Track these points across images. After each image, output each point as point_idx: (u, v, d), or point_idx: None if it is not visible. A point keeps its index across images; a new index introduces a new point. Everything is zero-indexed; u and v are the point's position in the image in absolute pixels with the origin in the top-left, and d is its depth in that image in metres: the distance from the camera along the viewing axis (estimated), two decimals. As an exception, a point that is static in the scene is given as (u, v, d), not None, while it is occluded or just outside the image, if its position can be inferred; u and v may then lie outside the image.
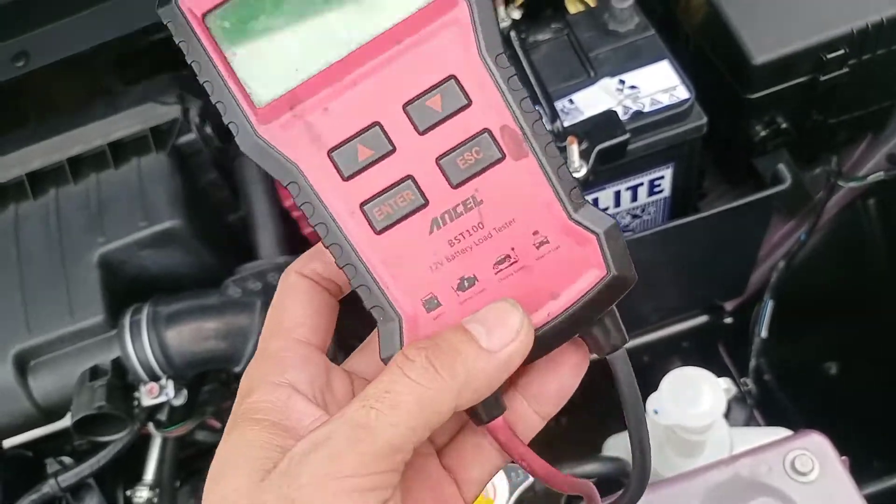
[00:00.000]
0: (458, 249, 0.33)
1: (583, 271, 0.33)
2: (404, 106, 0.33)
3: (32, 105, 1.19)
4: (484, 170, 0.33)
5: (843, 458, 0.69)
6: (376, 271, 0.33)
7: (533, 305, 0.33)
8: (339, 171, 0.33)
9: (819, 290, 1.20)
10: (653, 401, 0.73)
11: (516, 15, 0.95)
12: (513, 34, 0.89)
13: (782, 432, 0.87)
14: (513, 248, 0.33)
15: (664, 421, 0.73)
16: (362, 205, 0.33)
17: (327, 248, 0.34)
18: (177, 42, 0.33)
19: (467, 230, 0.33)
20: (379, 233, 0.33)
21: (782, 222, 1.12)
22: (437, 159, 0.33)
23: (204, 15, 0.33)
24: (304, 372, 0.34)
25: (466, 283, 0.33)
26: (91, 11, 0.96)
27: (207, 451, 1.08)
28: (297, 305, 0.35)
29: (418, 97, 0.33)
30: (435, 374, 0.30)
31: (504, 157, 0.33)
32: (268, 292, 0.82)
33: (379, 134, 0.33)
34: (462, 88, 0.33)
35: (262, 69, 0.33)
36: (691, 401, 0.71)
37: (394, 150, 0.33)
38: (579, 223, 0.33)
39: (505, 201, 0.33)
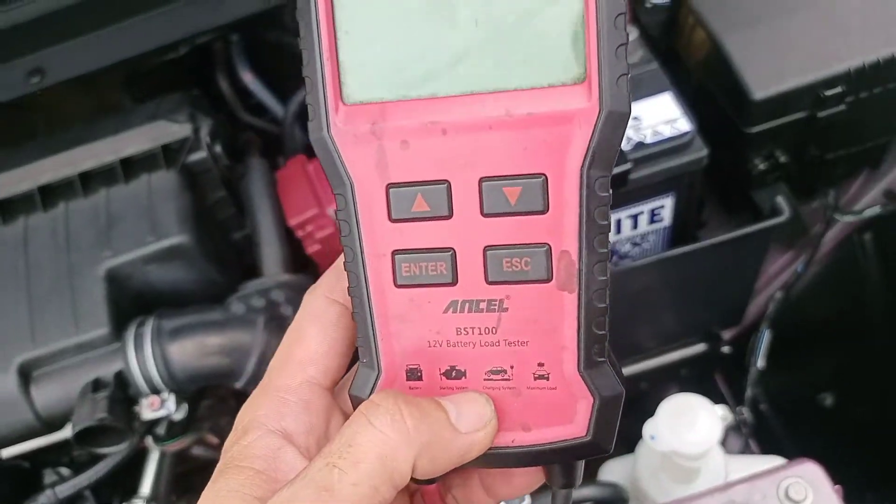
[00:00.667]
0: (463, 341, 0.32)
1: (564, 423, 0.32)
2: (482, 179, 0.30)
3: (44, 120, 1.21)
4: (524, 282, 0.31)
5: (837, 486, 0.70)
6: (378, 318, 0.32)
7: (503, 426, 0.32)
8: (389, 209, 0.31)
9: (815, 322, 1.21)
10: (649, 427, 0.74)
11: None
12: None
13: (777, 461, 0.88)
14: (512, 367, 0.32)
15: (660, 447, 0.73)
16: (395, 252, 0.31)
17: (346, 269, 0.32)
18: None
19: (480, 328, 0.32)
20: (398, 286, 0.32)
21: (780, 254, 1.14)
22: (486, 248, 0.31)
23: None
24: (303, 421, 0.33)
25: (454, 374, 0.32)
26: (107, 30, 0.98)
27: (204, 468, 1.08)
28: (315, 336, 0.34)
29: (499, 178, 0.30)
30: (400, 422, 0.30)
31: (550, 280, 0.30)
32: (271, 309, 0.83)
33: (443, 194, 0.30)
34: (546, 193, 0.30)
35: (366, 64, 0.30)
36: (687, 427, 0.72)
37: (450, 216, 0.31)
38: (585, 379, 0.31)
39: (528, 321, 0.31)
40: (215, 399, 1.01)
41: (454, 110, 0.30)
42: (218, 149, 0.90)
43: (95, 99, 1.21)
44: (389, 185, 0.31)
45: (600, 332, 0.31)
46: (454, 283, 0.31)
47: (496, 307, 0.31)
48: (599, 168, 0.29)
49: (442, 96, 0.30)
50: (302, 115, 1.13)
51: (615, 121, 0.28)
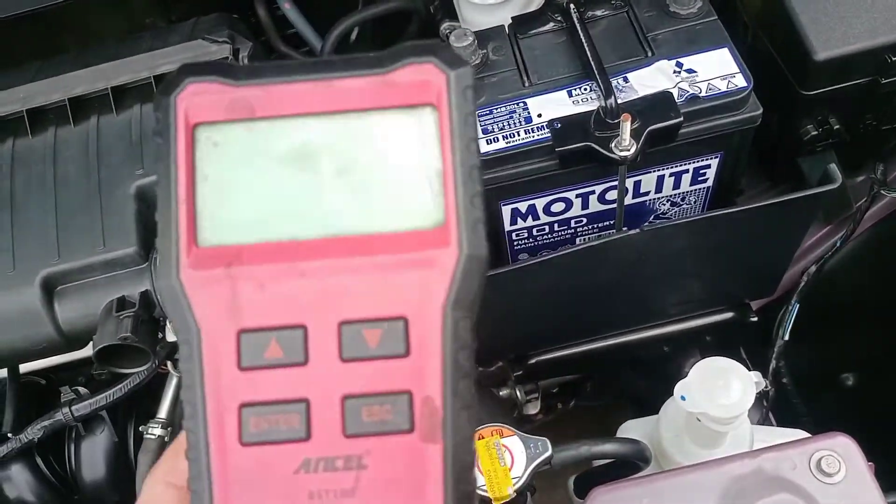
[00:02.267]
0: None
1: None
2: (341, 322, 0.29)
3: (69, 37, 1.18)
4: (385, 433, 0.28)
5: (870, 463, 0.68)
6: (218, 486, 0.28)
7: None
8: (239, 356, 0.29)
9: (846, 300, 1.18)
10: (681, 387, 0.73)
11: (575, -13, 0.94)
12: (572, 7, 0.87)
13: (801, 434, 0.87)
14: None
15: (690, 408, 0.72)
16: (242, 405, 0.29)
17: (185, 428, 0.30)
18: (153, 136, 0.30)
19: (335, 491, 0.28)
20: (244, 444, 0.28)
21: (818, 227, 1.11)
22: (344, 397, 0.28)
23: (196, 125, 0.29)
24: None
25: None
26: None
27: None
28: None
29: (359, 321, 0.29)
30: None
31: (412, 430, 0.28)
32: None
33: (299, 339, 0.29)
34: (407, 335, 0.28)
35: (224, 208, 0.29)
36: (722, 390, 0.70)
37: (305, 363, 0.29)
38: None
39: (388, 480, 0.28)
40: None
41: (314, 253, 0.29)
42: (255, 73, 0.87)
43: (128, 21, 1.19)
44: (241, 331, 0.29)
45: (468, 489, 0.28)
46: (308, 438, 0.28)
47: (354, 464, 0.28)
48: (460, 310, 0.28)
49: (302, 239, 0.29)
50: (337, 54, 1.10)
51: (473, 263, 0.28)
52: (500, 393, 1.14)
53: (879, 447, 1.15)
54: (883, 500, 0.65)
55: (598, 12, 0.88)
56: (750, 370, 1.10)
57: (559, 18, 0.88)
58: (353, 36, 1.16)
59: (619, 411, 1.48)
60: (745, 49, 0.86)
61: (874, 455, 1.03)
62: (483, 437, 0.72)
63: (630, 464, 0.79)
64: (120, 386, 0.83)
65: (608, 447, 0.75)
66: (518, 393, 1.12)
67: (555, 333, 1.03)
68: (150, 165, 0.79)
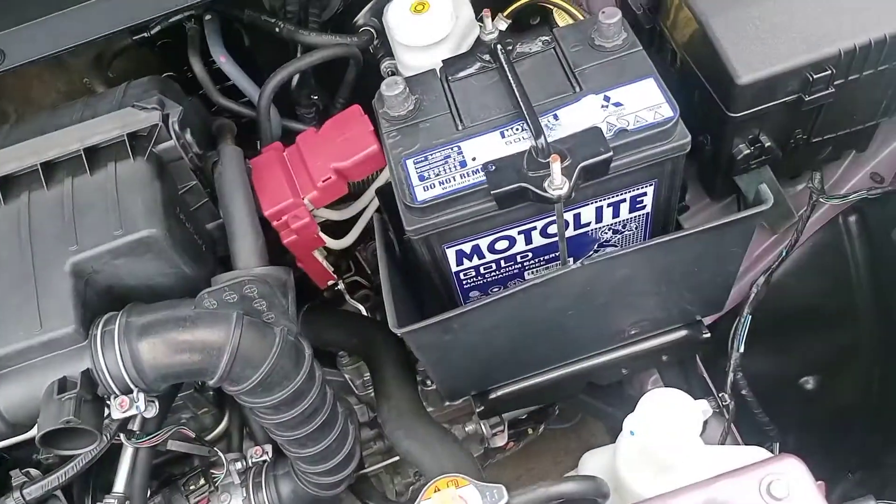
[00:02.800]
0: None
1: None
2: None
3: (8, 104, 1.17)
4: None
5: (820, 482, 0.69)
6: None
7: None
8: None
9: (798, 306, 1.20)
10: (630, 421, 0.73)
11: (502, 26, 0.95)
12: (499, 46, 0.88)
13: (758, 452, 0.87)
14: None
15: (641, 441, 0.72)
16: None
17: None
18: None
19: None
20: None
21: (764, 237, 1.13)
22: None
23: None
24: None
25: None
26: (72, 10, 0.94)
27: (180, 459, 1.07)
28: None
29: None
30: None
31: None
32: (243, 304, 0.80)
33: None
34: None
35: None
36: (668, 423, 0.71)
37: None
38: None
39: None
40: (192, 390, 0.99)
41: None
42: (188, 136, 0.86)
43: (63, 82, 1.18)
44: None
45: None
46: None
47: None
48: None
49: None
50: (278, 99, 1.09)
51: None
52: (466, 428, 1.14)
53: (841, 443, 1.17)
54: (833, 520, 0.66)
55: (527, 49, 0.89)
56: (706, 385, 1.12)
57: (488, 59, 0.89)
58: (294, 82, 1.16)
59: (591, 427, 1.48)
60: (674, 74, 0.87)
61: (840, 454, 1.05)
62: (439, 490, 0.71)
63: (589, 499, 0.79)
64: (72, 464, 0.81)
65: (565, 487, 0.75)
66: (483, 427, 1.12)
67: (513, 366, 1.03)
68: (85, 240, 0.78)
